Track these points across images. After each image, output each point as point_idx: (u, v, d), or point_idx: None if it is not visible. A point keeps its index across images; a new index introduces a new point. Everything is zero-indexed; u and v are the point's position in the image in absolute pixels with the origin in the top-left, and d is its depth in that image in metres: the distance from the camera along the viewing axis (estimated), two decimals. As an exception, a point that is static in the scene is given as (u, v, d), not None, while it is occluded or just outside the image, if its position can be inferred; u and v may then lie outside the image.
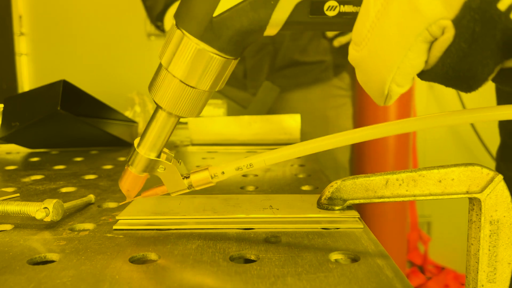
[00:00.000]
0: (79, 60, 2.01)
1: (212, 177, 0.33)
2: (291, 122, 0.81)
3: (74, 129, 0.73)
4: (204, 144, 0.81)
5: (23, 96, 0.73)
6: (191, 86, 0.30)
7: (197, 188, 0.34)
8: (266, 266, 0.27)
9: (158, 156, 0.33)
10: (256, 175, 0.55)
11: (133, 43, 2.03)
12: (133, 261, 0.28)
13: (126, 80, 1.96)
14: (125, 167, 0.34)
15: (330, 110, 1.11)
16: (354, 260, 0.28)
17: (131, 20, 2.02)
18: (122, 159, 0.68)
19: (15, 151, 0.78)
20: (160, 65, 0.30)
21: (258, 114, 0.88)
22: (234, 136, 0.81)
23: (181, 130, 1.15)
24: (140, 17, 2.03)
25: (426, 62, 0.25)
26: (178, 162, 0.34)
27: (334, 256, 0.29)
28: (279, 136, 0.80)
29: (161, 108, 0.31)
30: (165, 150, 0.34)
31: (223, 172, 0.33)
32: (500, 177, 0.31)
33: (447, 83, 0.26)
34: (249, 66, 1.04)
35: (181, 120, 1.04)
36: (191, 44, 0.28)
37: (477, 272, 0.31)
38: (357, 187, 0.34)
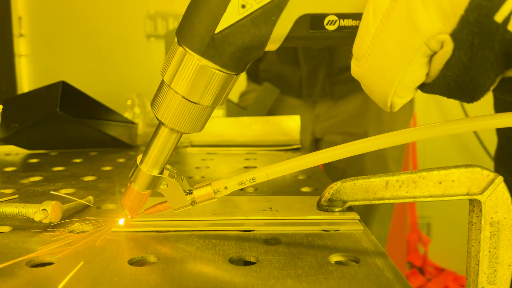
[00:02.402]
0: (78, 61, 2.01)
1: (215, 193, 0.33)
2: (291, 123, 0.81)
3: (73, 130, 0.72)
4: (204, 146, 0.81)
5: (22, 97, 0.73)
6: (193, 102, 0.30)
7: (200, 204, 0.34)
8: (265, 268, 0.26)
9: (161, 172, 0.33)
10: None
11: (132, 45, 2.03)
12: (132, 263, 0.28)
13: (126, 81, 1.96)
14: (128, 184, 0.34)
15: (385, 111, 1.03)
16: (354, 262, 0.28)
17: (130, 22, 2.02)
18: (121, 160, 0.68)
19: (14, 152, 0.77)
20: (162, 82, 0.30)
21: (258, 116, 0.87)
22: (234, 137, 0.81)
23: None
24: (140, 19, 2.03)
25: (427, 75, 0.25)
26: (181, 178, 0.34)
27: (334, 258, 0.29)
28: (279, 138, 0.80)
29: (163, 124, 0.31)
30: (168, 166, 0.34)
31: (226, 187, 0.33)
32: (500, 178, 0.31)
33: (449, 95, 0.26)
34: (305, 73, 1.00)
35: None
36: (194, 61, 0.28)
37: (478, 274, 0.31)
38: (357, 189, 0.34)
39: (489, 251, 0.31)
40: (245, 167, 0.62)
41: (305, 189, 0.47)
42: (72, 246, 0.30)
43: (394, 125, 1.01)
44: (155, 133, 0.32)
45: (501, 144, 0.70)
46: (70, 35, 2.01)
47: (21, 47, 2.01)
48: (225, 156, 0.73)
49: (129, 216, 0.35)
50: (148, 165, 0.33)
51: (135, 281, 0.25)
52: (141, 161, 0.33)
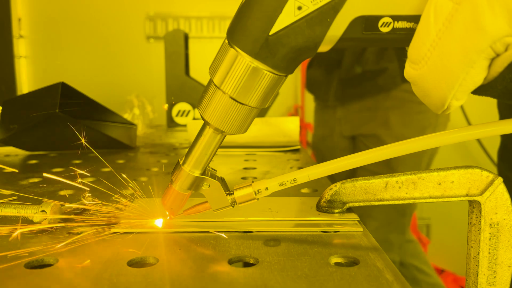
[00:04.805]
0: (78, 62, 2.01)
1: (255, 193, 0.33)
2: (290, 124, 0.81)
3: (72, 131, 0.72)
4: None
5: (22, 98, 0.73)
6: (241, 103, 0.30)
7: (240, 205, 0.34)
8: (265, 270, 0.26)
9: (203, 173, 0.33)
10: (255, 178, 0.55)
11: (132, 46, 2.03)
12: (132, 264, 0.28)
13: (125, 83, 1.96)
14: (169, 185, 0.34)
15: (393, 115, 1.03)
16: (354, 263, 0.28)
17: (130, 23, 2.02)
18: (121, 161, 0.68)
19: (13, 153, 0.77)
20: (210, 82, 0.30)
21: (257, 117, 0.87)
22: (233, 138, 0.81)
23: (180, 133, 1.15)
24: (139, 20, 2.03)
25: (485, 77, 0.25)
26: (221, 178, 0.34)
27: (334, 259, 0.29)
28: (278, 139, 0.80)
29: (209, 124, 0.31)
30: (208, 167, 0.34)
31: (266, 188, 0.33)
32: (499, 179, 0.30)
33: (502, 97, 0.26)
34: (320, 78, 1.07)
35: (180, 122, 1.05)
36: (246, 62, 0.28)
37: (477, 275, 0.31)
38: (356, 190, 0.34)
39: (489, 252, 0.31)
40: (245, 168, 0.62)
41: (304, 190, 0.47)
42: (72, 247, 0.30)
43: (403, 129, 1.06)
44: (199, 134, 0.32)
45: (504, 143, 0.70)
46: (70, 36, 2.01)
47: (21, 48, 2.01)
48: (225, 157, 0.73)
49: (168, 217, 0.35)
50: (191, 165, 0.32)
51: (134, 282, 0.25)
52: (184, 162, 0.33)
